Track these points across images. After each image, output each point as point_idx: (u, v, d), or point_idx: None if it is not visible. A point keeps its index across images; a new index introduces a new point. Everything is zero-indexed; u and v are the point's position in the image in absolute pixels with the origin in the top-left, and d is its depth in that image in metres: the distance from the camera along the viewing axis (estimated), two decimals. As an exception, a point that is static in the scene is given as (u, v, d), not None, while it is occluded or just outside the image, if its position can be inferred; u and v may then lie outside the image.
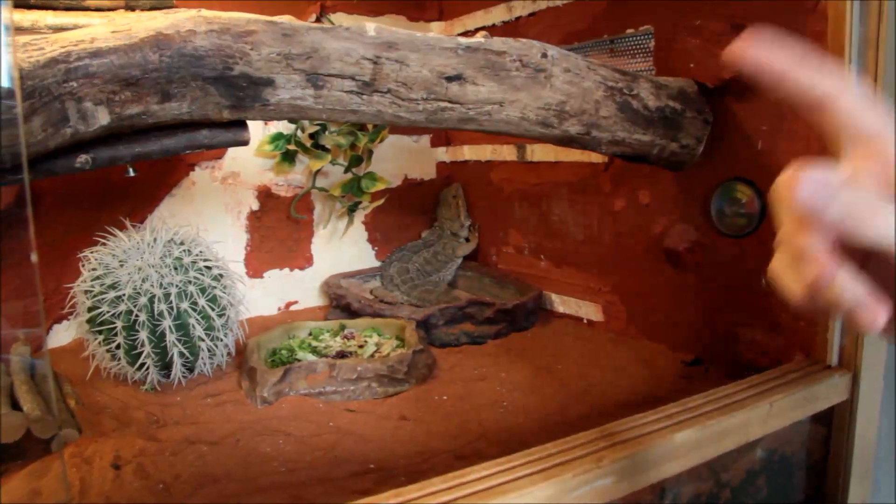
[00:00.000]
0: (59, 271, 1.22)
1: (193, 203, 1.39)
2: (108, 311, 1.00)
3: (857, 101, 0.34)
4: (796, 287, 0.34)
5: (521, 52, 0.86)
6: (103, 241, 1.07)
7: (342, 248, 1.58)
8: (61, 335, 1.27)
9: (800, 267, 0.33)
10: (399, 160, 1.65)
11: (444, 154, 1.71)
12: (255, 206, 1.46)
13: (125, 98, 0.68)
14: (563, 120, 0.90)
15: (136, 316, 1.00)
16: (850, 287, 0.32)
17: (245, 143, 0.82)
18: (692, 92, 0.99)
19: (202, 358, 1.07)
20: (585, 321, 1.33)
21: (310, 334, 1.25)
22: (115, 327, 1.00)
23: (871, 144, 0.34)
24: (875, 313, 0.32)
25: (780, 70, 0.35)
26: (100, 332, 1.01)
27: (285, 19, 0.75)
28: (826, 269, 0.32)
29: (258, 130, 1.41)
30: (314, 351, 1.17)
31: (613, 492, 0.64)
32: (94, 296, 1.01)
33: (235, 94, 0.73)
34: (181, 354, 1.04)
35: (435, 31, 1.62)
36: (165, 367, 1.05)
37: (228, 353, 1.12)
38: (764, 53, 0.35)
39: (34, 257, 1.07)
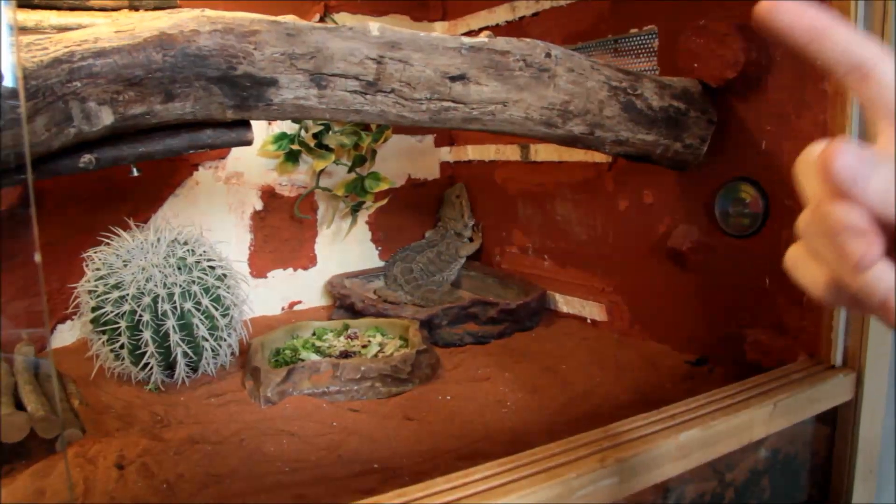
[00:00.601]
0: (63, 271, 1.22)
1: (197, 203, 1.39)
2: (111, 311, 1.00)
3: (892, 76, 0.31)
4: (821, 277, 0.32)
5: (524, 52, 0.86)
6: (107, 241, 1.07)
7: (346, 248, 1.59)
8: (65, 335, 1.27)
9: (836, 245, 0.29)
10: (402, 160, 1.65)
11: (447, 154, 1.71)
12: (259, 205, 1.46)
13: (129, 98, 0.68)
14: (567, 120, 0.90)
15: (140, 316, 1.00)
16: (887, 275, 0.29)
17: (248, 143, 0.82)
18: (696, 92, 0.99)
19: (206, 358, 1.07)
20: (589, 321, 1.33)
21: (313, 334, 1.26)
22: (119, 327, 1.00)
23: None
24: None
25: (817, 28, 0.32)
26: (103, 332, 1.01)
27: (289, 19, 0.75)
28: (873, 247, 0.28)
29: (262, 130, 1.41)
30: (318, 351, 1.17)
31: (617, 492, 0.64)
32: (98, 296, 1.01)
33: (239, 94, 0.73)
34: (185, 354, 1.04)
35: (438, 31, 1.62)
36: (169, 367, 1.05)
37: (232, 353, 1.12)
38: (802, 8, 0.32)
39: (38, 257, 1.07)
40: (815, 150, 0.31)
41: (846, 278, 0.30)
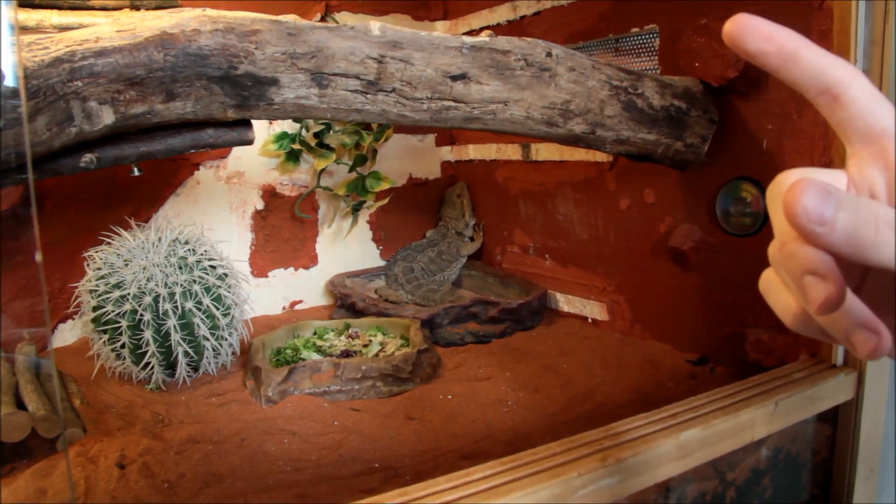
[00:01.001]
0: (64, 271, 1.22)
1: (198, 202, 1.39)
2: (112, 311, 1.00)
3: (868, 93, 0.31)
4: (791, 305, 0.32)
5: (525, 52, 0.86)
6: (108, 240, 1.07)
7: (347, 248, 1.59)
8: (66, 334, 1.27)
9: (801, 287, 0.29)
10: (403, 159, 1.65)
11: (448, 153, 1.71)
12: (260, 205, 1.46)
13: (130, 97, 0.68)
14: (568, 119, 0.90)
15: (141, 315, 1.00)
16: (851, 311, 0.29)
17: (250, 142, 0.82)
18: (697, 91, 0.99)
19: (207, 357, 1.07)
20: (590, 320, 1.33)
21: (314, 333, 1.26)
22: (120, 327, 1.00)
23: (880, 142, 0.31)
24: (878, 341, 0.29)
25: (787, 51, 0.31)
26: (104, 332, 1.01)
27: (290, 18, 0.75)
28: (835, 291, 0.28)
29: (263, 130, 1.41)
30: (319, 350, 1.17)
31: (618, 491, 0.64)
32: (99, 295, 1.01)
33: (240, 94, 0.73)
34: (186, 354, 1.04)
35: (439, 31, 1.62)
36: (170, 366, 1.05)
37: (233, 353, 1.12)
38: (772, 31, 0.31)
39: (39, 257, 1.08)
40: (785, 180, 0.30)
41: (811, 313, 0.30)
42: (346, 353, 1.14)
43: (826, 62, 0.31)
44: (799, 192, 0.27)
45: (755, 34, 0.31)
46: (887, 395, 0.90)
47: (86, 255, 1.07)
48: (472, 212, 1.63)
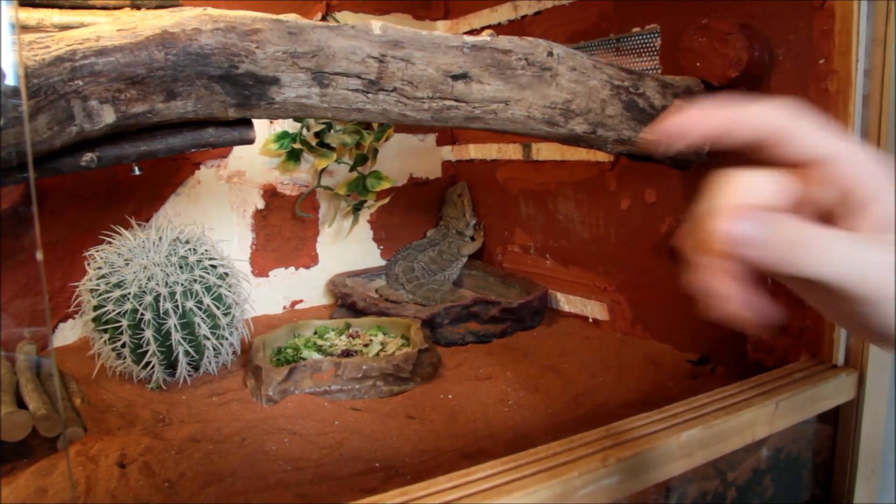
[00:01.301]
0: (65, 270, 1.22)
1: (199, 202, 1.39)
2: (113, 310, 1.00)
3: (803, 125, 0.33)
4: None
5: (526, 51, 0.86)
6: (109, 239, 1.07)
7: (347, 247, 1.59)
8: (67, 334, 1.28)
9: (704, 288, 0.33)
10: (404, 159, 1.65)
11: (449, 153, 1.71)
12: (261, 204, 1.46)
13: (131, 96, 0.68)
14: (569, 119, 0.90)
15: (142, 314, 1.00)
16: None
17: (250, 141, 0.82)
18: (699, 91, 0.99)
19: (207, 356, 1.07)
20: (591, 320, 1.33)
21: (315, 333, 1.26)
22: (121, 326, 1.00)
23: (821, 166, 0.33)
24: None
25: (726, 122, 0.34)
26: (105, 331, 1.01)
27: (291, 17, 0.75)
28: (737, 302, 0.32)
29: (263, 129, 1.41)
30: (319, 350, 1.17)
31: (619, 491, 0.64)
32: (100, 294, 1.01)
33: (241, 93, 0.73)
34: (186, 353, 1.04)
35: (440, 30, 1.62)
36: (171, 365, 1.05)
37: (234, 352, 1.12)
38: (699, 120, 0.34)
39: (40, 256, 1.08)
40: (719, 189, 0.34)
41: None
42: (347, 353, 1.14)
43: (756, 118, 0.34)
44: (731, 214, 0.31)
45: (688, 130, 0.35)
46: (888, 395, 0.90)
47: (86, 254, 1.07)
48: (473, 211, 1.63)
